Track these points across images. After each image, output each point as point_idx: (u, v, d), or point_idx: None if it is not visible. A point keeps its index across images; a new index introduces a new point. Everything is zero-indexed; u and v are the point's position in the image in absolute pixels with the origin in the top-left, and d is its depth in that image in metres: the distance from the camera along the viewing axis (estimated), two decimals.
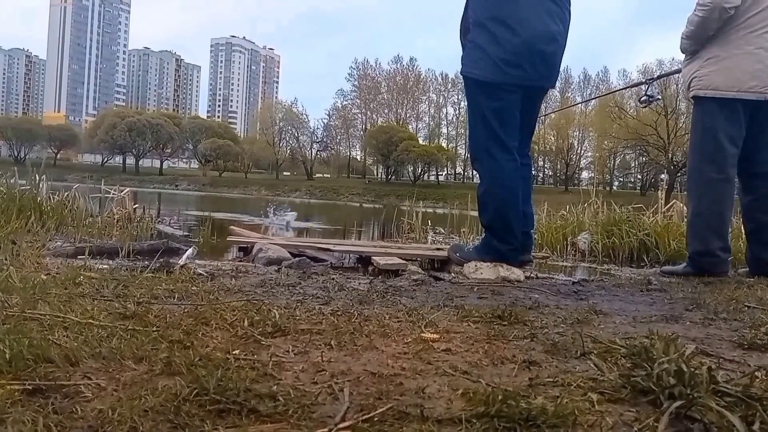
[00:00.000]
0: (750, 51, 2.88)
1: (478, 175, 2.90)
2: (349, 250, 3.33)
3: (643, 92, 3.78)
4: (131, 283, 1.78)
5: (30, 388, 0.84)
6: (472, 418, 0.79)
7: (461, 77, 2.91)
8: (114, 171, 63.13)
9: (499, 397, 0.82)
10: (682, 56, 3.21)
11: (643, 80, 3.99)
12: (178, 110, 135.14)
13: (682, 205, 4.67)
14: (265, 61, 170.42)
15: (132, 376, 0.92)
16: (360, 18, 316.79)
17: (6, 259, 2.12)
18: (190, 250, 2.91)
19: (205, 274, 2.16)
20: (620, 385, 0.92)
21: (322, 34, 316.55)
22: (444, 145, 67.60)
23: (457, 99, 71.43)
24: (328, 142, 72.25)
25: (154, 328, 1.21)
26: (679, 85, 3.28)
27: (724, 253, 2.97)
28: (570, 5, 2.82)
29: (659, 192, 5.49)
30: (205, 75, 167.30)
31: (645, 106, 4.04)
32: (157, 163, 75.31)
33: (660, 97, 4.98)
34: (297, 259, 2.88)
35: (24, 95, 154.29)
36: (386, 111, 71.82)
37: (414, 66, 73.21)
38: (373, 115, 71.68)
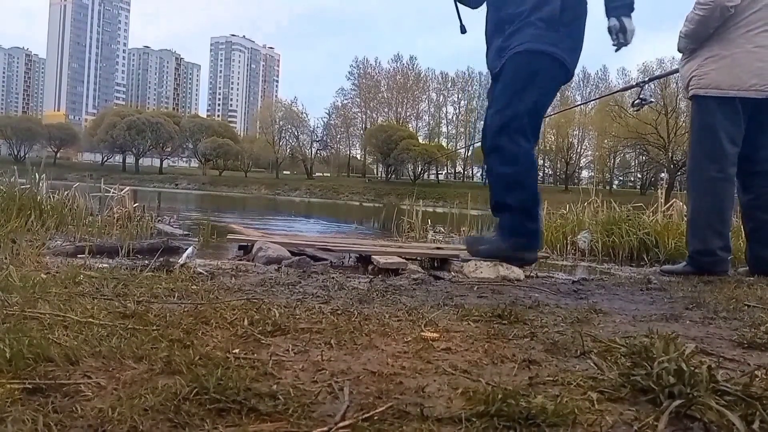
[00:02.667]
0: (749, 49, 2.87)
1: (504, 153, 2.74)
2: (349, 249, 3.33)
3: (636, 95, 3.78)
4: (131, 282, 1.78)
5: (30, 387, 0.84)
6: (472, 417, 0.79)
7: (526, 53, 2.72)
8: (114, 170, 63.12)
9: (499, 396, 0.82)
10: (680, 55, 3.21)
11: (634, 83, 3.98)
12: (177, 109, 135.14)
13: (681, 204, 4.68)
14: (265, 60, 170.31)
15: (132, 375, 0.92)
16: (360, 18, 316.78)
17: (6, 258, 2.12)
18: (189, 249, 2.91)
19: (204, 273, 2.15)
20: (620, 384, 0.92)
21: (322, 34, 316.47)
22: (444, 143, 67.63)
23: (457, 98, 71.56)
24: (328, 141, 72.23)
25: (154, 327, 1.21)
26: (679, 84, 3.27)
27: (724, 252, 2.97)
28: None
29: (659, 191, 5.50)
30: (205, 74, 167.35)
31: (637, 110, 4.05)
32: (156, 162, 75.28)
33: (653, 100, 4.98)
34: (297, 257, 2.88)
35: (24, 94, 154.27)
36: (386, 110, 71.81)
37: (414, 65, 73.27)
38: (373, 114, 71.68)
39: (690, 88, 3.02)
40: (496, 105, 2.83)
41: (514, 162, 2.73)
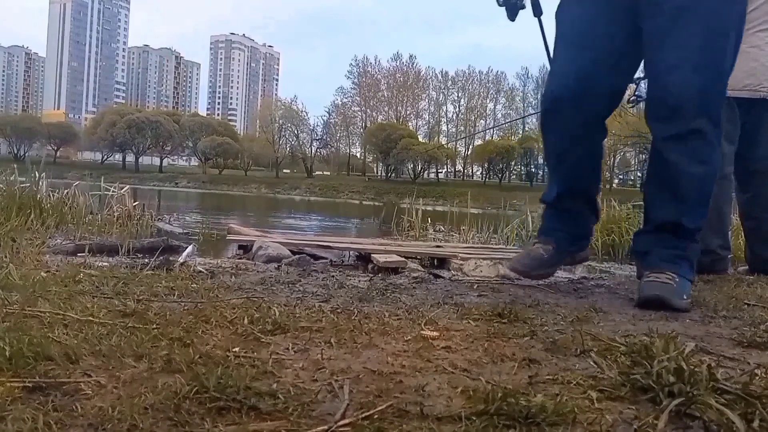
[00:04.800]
0: (743, 49, 2.86)
1: (703, 142, 1.82)
2: (348, 248, 3.33)
3: (632, 92, 3.77)
4: (131, 280, 1.78)
5: (30, 385, 0.84)
6: (472, 416, 0.79)
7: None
8: (114, 168, 63.05)
9: (499, 395, 0.82)
10: None
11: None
12: (177, 108, 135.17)
13: None
14: (264, 59, 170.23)
15: (132, 374, 0.92)
16: (360, 18, 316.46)
17: (6, 257, 2.12)
18: (189, 248, 2.91)
19: (204, 271, 2.15)
20: (620, 383, 0.92)
21: (322, 33, 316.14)
22: (444, 142, 67.56)
23: (457, 96, 71.50)
24: (328, 139, 72.19)
25: (154, 326, 1.21)
26: None
27: (724, 251, 2.97)
28: None
29: None
30: (205, 72, 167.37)
31: (633, 107, 4.04)
32: (156, 161, 75.20)
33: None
34: (297, 256, 2.88)
35: (23, 93, 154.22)
36: (386, 108, 71.83)
37: (414, 63, 73.29)
38: (373, 113, 71.67)
39: None
40: (686, 54, 1.76)
41: (714, 156, 1.82)
